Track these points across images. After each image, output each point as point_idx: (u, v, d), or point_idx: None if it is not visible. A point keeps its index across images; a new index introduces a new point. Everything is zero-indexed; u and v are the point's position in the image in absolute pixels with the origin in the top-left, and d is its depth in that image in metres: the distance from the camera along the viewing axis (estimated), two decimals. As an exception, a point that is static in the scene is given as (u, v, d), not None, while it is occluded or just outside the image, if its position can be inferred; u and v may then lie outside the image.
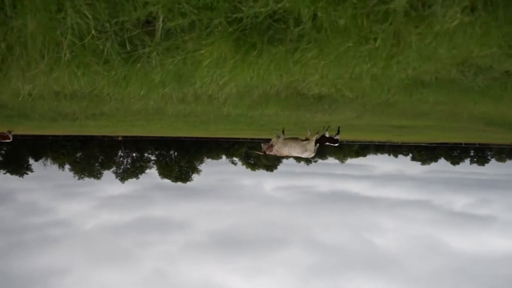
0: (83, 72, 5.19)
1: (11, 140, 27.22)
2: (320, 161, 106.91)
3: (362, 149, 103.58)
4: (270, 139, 14.97)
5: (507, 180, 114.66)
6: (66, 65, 4.88)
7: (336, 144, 17.36)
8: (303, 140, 14.66)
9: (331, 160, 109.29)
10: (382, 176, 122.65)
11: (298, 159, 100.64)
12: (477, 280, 75.20)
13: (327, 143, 17.26)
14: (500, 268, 76.56)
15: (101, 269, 76.73)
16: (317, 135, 15.06)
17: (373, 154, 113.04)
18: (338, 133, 17.18)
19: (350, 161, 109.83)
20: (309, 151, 14.49)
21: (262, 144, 15.05)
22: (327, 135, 17.01)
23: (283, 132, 14.71)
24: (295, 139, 14.79)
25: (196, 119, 17.57)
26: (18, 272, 69.33)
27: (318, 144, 15.18)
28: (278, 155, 14.69)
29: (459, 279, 76.62)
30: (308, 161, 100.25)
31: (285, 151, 14.48)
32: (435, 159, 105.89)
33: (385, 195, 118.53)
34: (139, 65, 4.90)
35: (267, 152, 14.79)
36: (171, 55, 4.84)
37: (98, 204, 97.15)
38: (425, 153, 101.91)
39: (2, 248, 73.30)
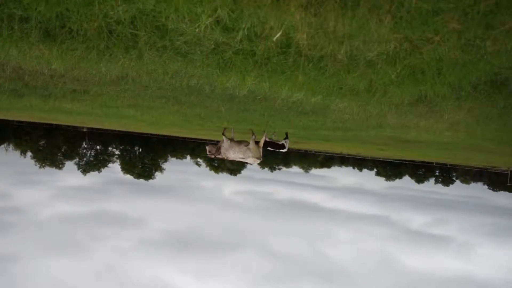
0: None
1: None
2: (284, 169, 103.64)
3: (327, 160, 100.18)
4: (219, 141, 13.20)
5: (466, 201, 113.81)
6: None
7: (283, 150, 15.23)
8: (247, 145, 12.79)
9: (295, 169, 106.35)
10: (342, 189, 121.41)
11: (262, 164, 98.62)
12: (427, 299, 74.76)
13: (269, 148, 15.05)
14: (450, 289, 76.24)
15: (52, 260, 74.13)
16: (263, 138, 12.93)
17: (337, 166, 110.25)
18: (286, 138, 14.97)
19: (313, 171, 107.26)
20: (253, 157, 12.68)
21: (207, 147, 13.52)
22: (267, 139, 14.31)
23: (223, 133, 12.94)
24: (240, 143, 12.95)
25: (203, 111, 13.37)
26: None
27: (261, 149, 13.04)
28: (225, 158, 13.09)
29: (409, 297, 76.13)
30: (272, 168, 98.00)
31: (231, 155, 12.83)
32: (399, 175, 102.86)
33: (343, 207, 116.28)
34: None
35: (216, 156, 13.30)
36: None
37: (56, 194, 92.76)
38: (389, 169, 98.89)
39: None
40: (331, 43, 4.43)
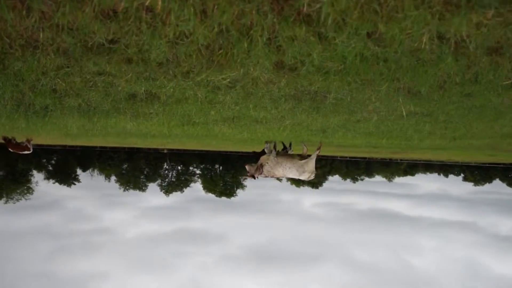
0: None
1: (31, 151, 20.07)
2: (366, 179, 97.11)
3: (411, 167, 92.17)
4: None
5: None
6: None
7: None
8: (301, 159, 10.24)
9: (377, 178, 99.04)
10: (426, 196, 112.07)
11: (344, 176, 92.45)
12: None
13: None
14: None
15: (138, 277, 75.86)
16: (318, 151, 10.39)
17: (422, 173, 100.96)
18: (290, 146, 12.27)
19: (396, 179, 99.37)
20: (308, 172, 10.19)
21: (246, 166, 10.84)
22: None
23: (274, 147, 10.47)
24: (291, 157, 10.50)
25: (335, 122, 8.07)
26: (62, 274, 70.12)
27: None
28: (269, 176, 10.60)
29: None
30: (354, 178, 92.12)
31: (279, 172, 10.36)
32: (489, 180, 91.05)
33: (427, 214, 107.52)
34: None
35: (256, 176, 10.55)
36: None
37: (140, 214, 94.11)
38: (478, 173, 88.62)
39: (48, 251, 77.24)
40: None
